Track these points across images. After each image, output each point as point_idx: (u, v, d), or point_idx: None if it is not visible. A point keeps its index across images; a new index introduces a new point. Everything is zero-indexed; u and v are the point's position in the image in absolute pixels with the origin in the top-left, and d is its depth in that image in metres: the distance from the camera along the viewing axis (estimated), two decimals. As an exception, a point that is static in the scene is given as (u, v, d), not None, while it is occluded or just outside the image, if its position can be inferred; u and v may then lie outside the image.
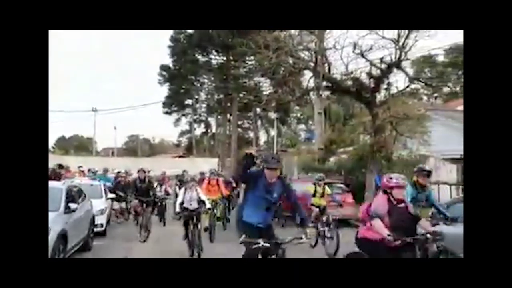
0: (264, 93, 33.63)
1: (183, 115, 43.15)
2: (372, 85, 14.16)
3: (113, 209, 12.04)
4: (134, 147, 57.78)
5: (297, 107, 35.18)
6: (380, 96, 14.78)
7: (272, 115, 36.36)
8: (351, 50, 13.87)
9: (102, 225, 9.76)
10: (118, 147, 52.68)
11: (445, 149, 14.34)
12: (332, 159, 18.20)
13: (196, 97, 38.66)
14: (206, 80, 36.18)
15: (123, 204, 12.47)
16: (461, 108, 21.80)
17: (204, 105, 40.44)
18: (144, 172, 10.40)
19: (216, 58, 33.45)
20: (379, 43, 13.44)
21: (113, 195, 11.82)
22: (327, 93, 18.68)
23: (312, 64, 15.45)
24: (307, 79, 17.79)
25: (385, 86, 14.77)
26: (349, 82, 14.89)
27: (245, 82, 32.88)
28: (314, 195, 8.89)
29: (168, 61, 34.49)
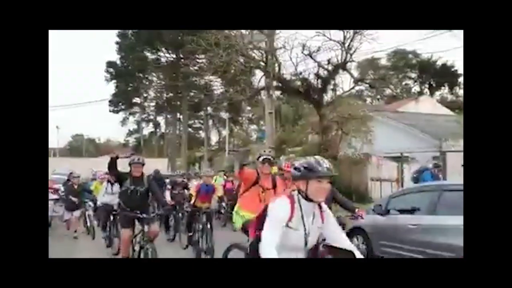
0: (215, 92, 33.51)
1: (131, 113, 41.83)
2: (319, 86, 14.62)
3: (64, 220, 9.86)
4: (79, 147, 55.06)
5: (248, 107, 35.39)
6: (327, 97, 15.31)
7: (224, 115, 36.31)
8: (300, 51, 14.22)
9: None
10: (60, 147, 49.89)
11: (387, 148, 15.15)
12: (281, 157, 18.53)
13: (145, 95, 37.60)
14: (155, 78, 35.30)
15: (77, 213, 9.61)
16: (401, 109, 23.17)
17: (152, 104, 39.44)
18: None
19: (165, 56, 32.73)
20: (326, 45, 13.91)
21: (55, 197, 10.38)
22: (277, 93, 19.01)
23: (262, 64, 15.64)
24: (258, 78, 18.00)
25: (331, 87, 15.33)
26: (298, 83, 15.27)
27: (195, 81, 32.48)
28: None
29: (115, 58, 33.24)
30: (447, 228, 4.91)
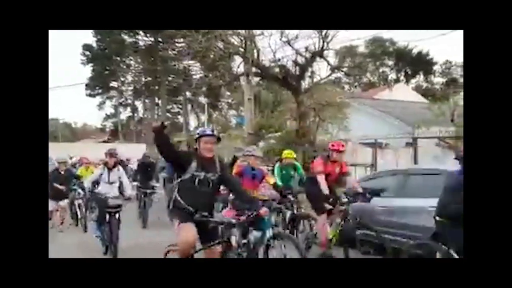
0: (194, 77, 33.24)
1: (108, 98, 41.00)
2: (297, 73, 14.82)
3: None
4: (54, 132, 53.64)
5: (228, 93, 35.32)
6: (305, 83, 15.55)
7: (203, 100, 36.10)
8: (279, 38, 14.34)
9: None
10: (33, 132, 48.28)
11: (362, 135, 15.58)
12: (261, 143, 18.77)
13: (122, 79, 36.93)
14: (132, 62, 34.66)
15: (62, 203, 8.41)
16: (377, 96, 23.70)
17: (130, 88, 38.78)
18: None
19: (143, 39, 32.15)
20: (304, 32, 14.07)
21: None
22: (256, 79, 19.10)
23: (242, 50, 15.68)
24: (237, 64, 18.03)
25: (309, 74, 15.56)
26: (277, 69, 15.43)
27: (174, 65, 32.14)
28: None
29: (92, 40, 32.39)
30: (413, 210, 5.27)
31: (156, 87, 34.45)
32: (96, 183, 6.49)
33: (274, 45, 14.92)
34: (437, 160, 11.75)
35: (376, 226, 5.45)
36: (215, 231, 3.73)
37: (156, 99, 36.86)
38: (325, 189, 5.33)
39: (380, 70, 41.88)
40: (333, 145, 5.71)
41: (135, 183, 8.78)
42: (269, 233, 4.26)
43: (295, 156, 7.33)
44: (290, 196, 6.27)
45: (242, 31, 16.17)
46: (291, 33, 14.07)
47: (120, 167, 6.68)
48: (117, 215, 5.96)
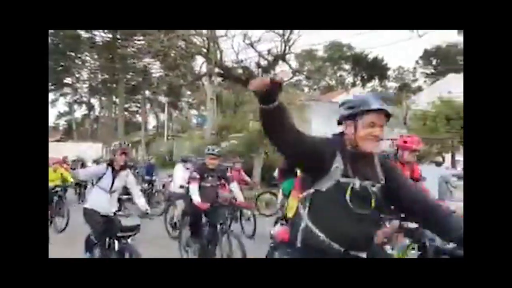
0: (154, 75, 32.62)
1: (62, 95, 39.29)
2: (260, 75, 15.10)
3: None
4: None
5: (189, 92, 35.02)
6: (268, 85, 15.85)
7: (163, 99, 35.51)
8: (242, 40, 14.55)
9: None
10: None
11: (321, 135, 16.12)
12: (223, 144, 18.86)
13: (77, 75, 35.51)
14: (88, 58, 33.44)
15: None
16: (335, 99, 24.57)
17: (86, 85, 37.39)
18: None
19: (101, 35, 31.12)
20: (266, 36, 14.38)
21: None
22: (219, 79, 19.18)
23: (204, 50, 15.73)
24: (200, 64, 18.04)
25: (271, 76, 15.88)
26: (240, 70, 15.64)
27: (133, 63, 31.37)
28: None
29: (44, 34, 30.81)
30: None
31: (114, 85, 33.42)
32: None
33: (237, 47, 15.05)
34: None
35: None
36: None
37: (114, 97, 35.76)
38: None
39: (338, 74, 43.36)
40: (405, 142, 4.16)
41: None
42: None
43: None
44: None
45: (205, 31, 16.21)
46: (254, 35, 14.36)
47: (129, 172, 4.60)
48: (129, 240, 4.11)
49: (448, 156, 11.38)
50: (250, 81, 1.66)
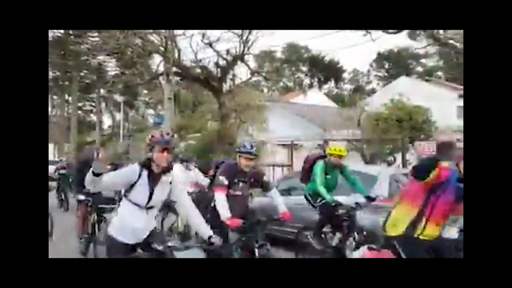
0: (109, 73, 31.54)
1: (8, 92, 36.98)
2: (219, 75, 15.08)
3: None
4: None
5: (145, 91, 34.20)
6: (226, 85, 15.88)
7: (118, 97, 34.41)
8: (200, 39, 14.45)
9: None
10: None
11: (280, 136, 16.38)
12: (181, 144, 18.62)
13: (26, 72, 33.60)
14: (38, 54, 31.72)
15: None
16: (293, 100, 25.06)
17: (35, 83, 35.40)
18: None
19: (52, 31, 29.59)
20: (225, 36, 14.38)
21: None
22: (176, 78, 18.91)
23: (162, 49, 15.44)
24: (157, 63, 17.68)
25: (230, 76, 15.93)
26: (198, 70, 15.52)
27: (87, 60, 30.13)
28: None
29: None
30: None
31: (67, 83, 31.96)
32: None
33: (195, 46, 14.97)
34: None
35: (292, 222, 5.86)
36: None
37: (66, 95, 34.19)
38: None
39: (296, 76, 44.16)
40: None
41: (82, 197, 5.59)
42: None
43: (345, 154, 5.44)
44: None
45: (163, 30, 15.92)
46: (213, 35, 14.30)
47: (175, 174, 3.03)
48: None
49: (399, 156, 11.95)
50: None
